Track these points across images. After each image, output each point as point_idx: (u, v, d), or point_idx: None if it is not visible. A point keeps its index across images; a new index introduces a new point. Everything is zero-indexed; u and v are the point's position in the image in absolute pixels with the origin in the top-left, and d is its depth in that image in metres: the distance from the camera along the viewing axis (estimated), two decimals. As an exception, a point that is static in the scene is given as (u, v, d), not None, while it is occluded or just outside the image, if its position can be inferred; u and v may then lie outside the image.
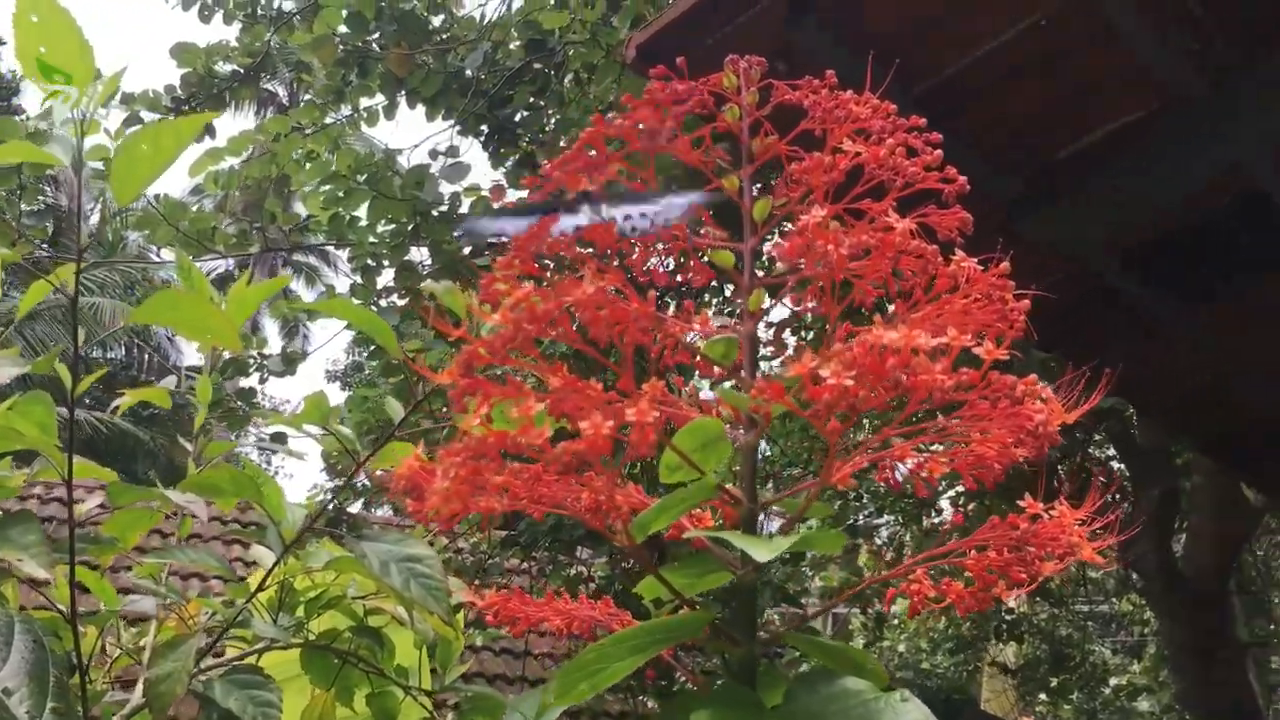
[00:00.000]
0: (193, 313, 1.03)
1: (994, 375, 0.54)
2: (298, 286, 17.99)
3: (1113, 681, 9.20)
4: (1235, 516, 4.62)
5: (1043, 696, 9.49)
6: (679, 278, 0.78)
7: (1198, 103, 1.50)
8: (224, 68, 3.52)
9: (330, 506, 1.12)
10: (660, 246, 0.75)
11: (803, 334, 4.20)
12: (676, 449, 0.65)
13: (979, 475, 0.62)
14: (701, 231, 0.74)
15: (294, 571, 1.17)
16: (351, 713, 1.30)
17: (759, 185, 0.80)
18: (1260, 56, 1.45)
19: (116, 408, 1.31)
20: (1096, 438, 5.30)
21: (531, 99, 3.97)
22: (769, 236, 0.71)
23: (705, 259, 0.71)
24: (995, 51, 1.43)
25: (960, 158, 1.63)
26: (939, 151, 0.66)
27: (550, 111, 4.12)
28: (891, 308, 0.64)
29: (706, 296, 3.96)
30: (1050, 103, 1.57)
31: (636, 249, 0.75)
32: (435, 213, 3.93)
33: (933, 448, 0.63)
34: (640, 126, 0.67)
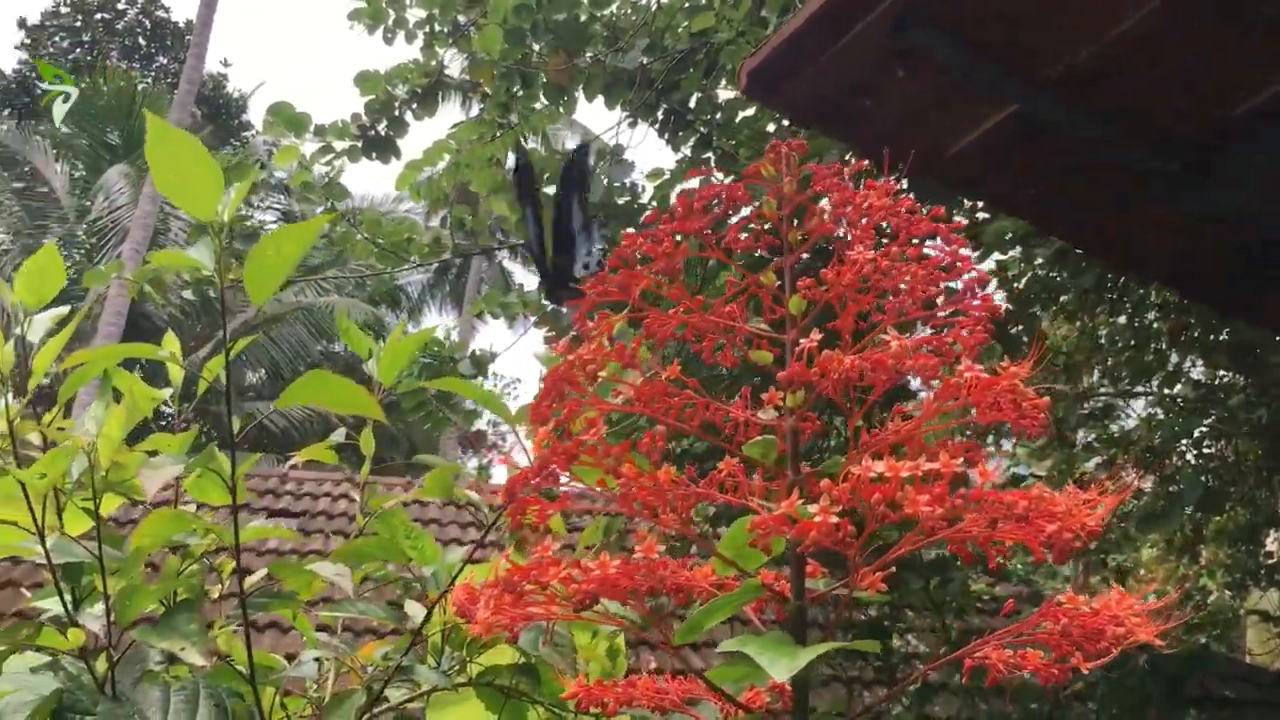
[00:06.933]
0: (338, 392, 1.12)
1: (991, 495, 0.54)
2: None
3: (1387, 620, 8.48)
4: None
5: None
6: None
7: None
8: (402, 91, 3.70)
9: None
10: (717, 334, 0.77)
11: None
12: (721, 555, 0.68)
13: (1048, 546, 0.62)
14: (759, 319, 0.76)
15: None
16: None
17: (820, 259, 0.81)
18: None
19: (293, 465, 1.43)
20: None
21: (704, 81, 3.98)
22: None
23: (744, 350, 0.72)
24: (1126, 33, 1.36)
25: (1107, 138, 1.56)
26: (964, 244, 0.65)
27: (721, 89, 4.12)
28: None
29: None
30: (1196, 75, 1.48)
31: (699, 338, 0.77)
32: (620, 201, 4.02)
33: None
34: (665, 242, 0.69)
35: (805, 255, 0.73)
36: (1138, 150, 1.56)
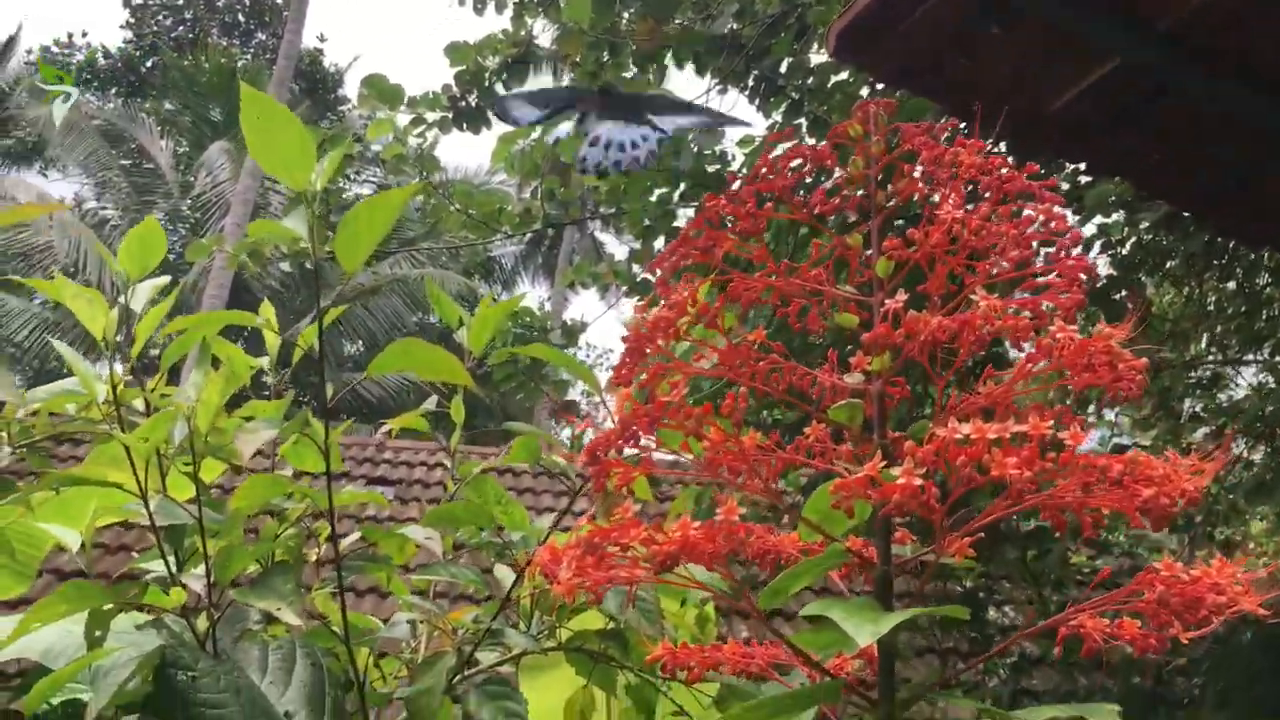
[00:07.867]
0: (426, 359, 1.14)
1: (1083, 459, 0.52)
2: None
3: None
4: None
5: None
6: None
7: None
8: (492, 61, 3.71)
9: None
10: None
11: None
12: (807, 521, 0.67)
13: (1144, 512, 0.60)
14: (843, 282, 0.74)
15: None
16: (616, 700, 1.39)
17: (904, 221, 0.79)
18: None
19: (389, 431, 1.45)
20: None
21: (795, 45, 3.91)
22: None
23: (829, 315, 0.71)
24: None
25: (1215, 92, 1.50)
26: (1059, 202, 0.63)
27: (812, 53, 4.05)
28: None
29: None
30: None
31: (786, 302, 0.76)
32: (709, 169, 3.99)
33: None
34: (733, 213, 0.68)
35: (896, 216, 0.71)
36: (1247, 105, 1.49)
